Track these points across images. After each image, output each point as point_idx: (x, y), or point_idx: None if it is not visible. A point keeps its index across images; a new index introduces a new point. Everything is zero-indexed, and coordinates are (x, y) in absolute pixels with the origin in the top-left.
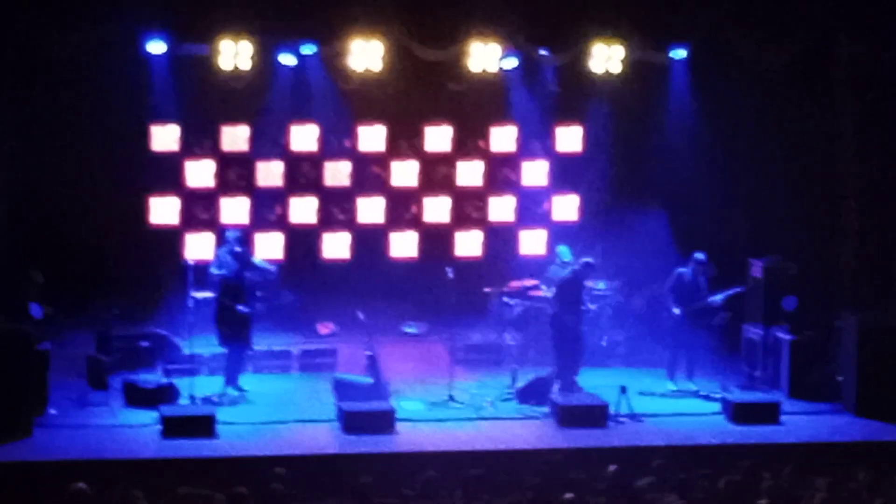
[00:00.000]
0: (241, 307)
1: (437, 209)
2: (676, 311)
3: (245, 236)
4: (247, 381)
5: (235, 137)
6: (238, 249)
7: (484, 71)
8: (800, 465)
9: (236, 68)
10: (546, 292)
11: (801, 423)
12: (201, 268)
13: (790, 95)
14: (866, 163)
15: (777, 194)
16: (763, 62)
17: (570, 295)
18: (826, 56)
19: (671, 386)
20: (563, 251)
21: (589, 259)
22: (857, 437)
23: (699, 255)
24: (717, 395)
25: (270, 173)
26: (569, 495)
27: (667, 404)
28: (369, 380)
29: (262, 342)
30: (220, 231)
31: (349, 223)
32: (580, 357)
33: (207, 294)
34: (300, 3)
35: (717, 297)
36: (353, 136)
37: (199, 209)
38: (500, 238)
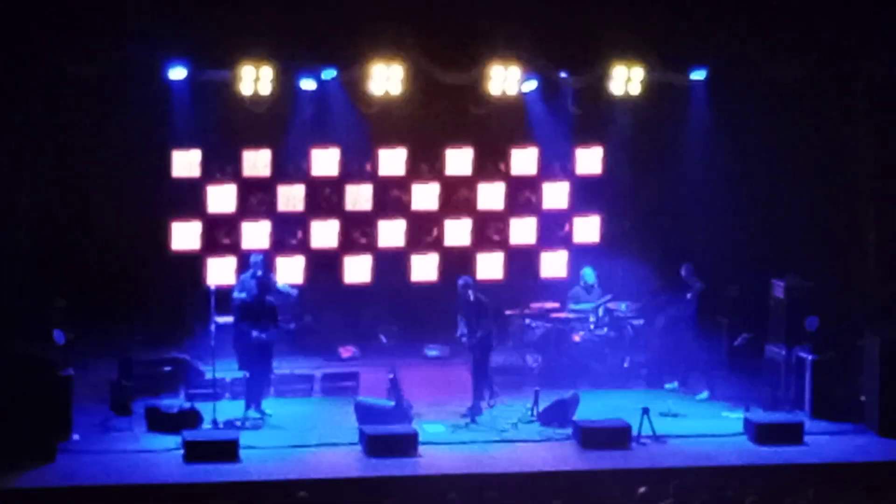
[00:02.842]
0: (255, 333)
1: (457, 232)
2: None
3: (268, 260)
4: (269, 404)
5: (256, 162)
6: (260, 274)
7: (504, 94)
8: (823, 485)
9: (257, 93)
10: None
11: (824, 444)
12: (223, 292)
13: (809, 113)
14: (886, 179)
15: (798, 213)
16: (782, 80)
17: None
18: (845, 73)
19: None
20: (588, 273)
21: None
22: (881, 456)
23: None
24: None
25: (291, 197)
26: None
27: (690, 425)
28: (391, 403)
29: (283, 366)
30: (242, 255)
31: (370, 246)
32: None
33: (230, 319)
34: (320, 28)
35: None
36: (373, 159)
37: (221, 234)
38: (521, 260)
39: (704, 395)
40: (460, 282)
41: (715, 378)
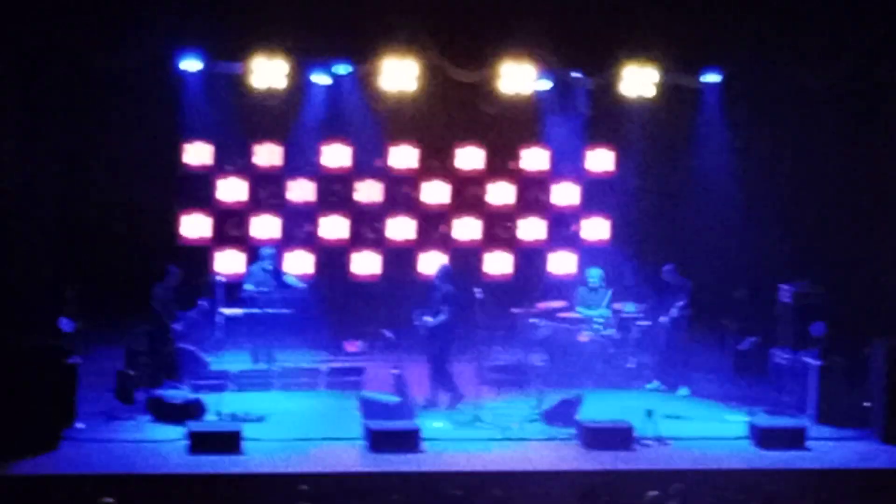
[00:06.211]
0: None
1: (467, 229)
2: (662, 319)
3: (278, 253)
4: (274, 398)
5: (268, 155)
6: (269, 267)
7: (517, 93)
8: (826, 491)
9: (270, 87)
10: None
11: (827, 449)
12: (231, 284)
13: (823, 121)
14: None
15: (807, 219)
16: (797, 88)
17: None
18: (858, 83)
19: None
20: (593, 274)
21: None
22: (885, 464)
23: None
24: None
25: (302, 191)
26: None
27: (693, 428)
28: (396, 398)
29: (289, 359)
30: (251, 248)
31: (379, 242)
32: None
33: (237, 311)
34: (334, 23)
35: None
36: (384, 155)
37: (231, 226)
38: (529, 259)
39: (685, 391)
40: (437, 268)
41: (692, 375)
